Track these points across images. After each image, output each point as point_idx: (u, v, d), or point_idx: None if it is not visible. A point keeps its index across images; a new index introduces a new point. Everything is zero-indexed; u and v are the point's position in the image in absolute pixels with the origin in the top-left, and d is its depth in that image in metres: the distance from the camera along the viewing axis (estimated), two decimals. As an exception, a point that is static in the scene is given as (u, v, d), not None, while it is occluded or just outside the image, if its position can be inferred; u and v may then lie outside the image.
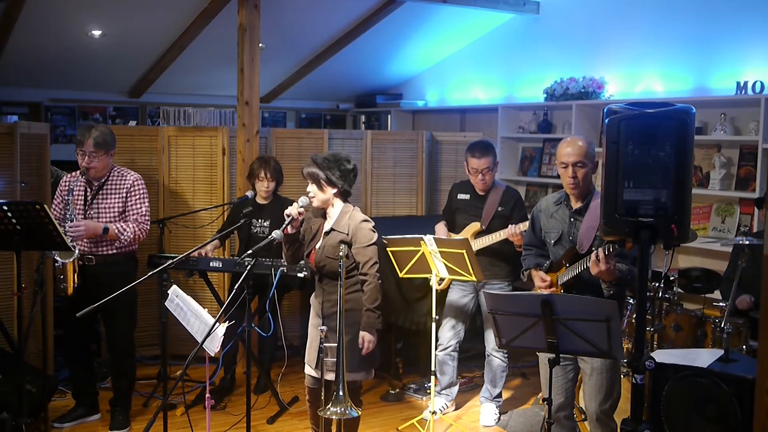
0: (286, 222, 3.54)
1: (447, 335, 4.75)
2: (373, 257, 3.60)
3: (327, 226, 3.68)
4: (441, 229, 4.84)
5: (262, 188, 4.89)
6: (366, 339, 3.57)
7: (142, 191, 4.38)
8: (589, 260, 3.25)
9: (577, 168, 3.45)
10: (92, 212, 4.29)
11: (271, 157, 5.10)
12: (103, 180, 4.32)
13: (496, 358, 4.72)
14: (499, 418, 4.76)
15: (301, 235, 3.74)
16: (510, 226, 4.46)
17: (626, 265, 3.35)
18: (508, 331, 3.08)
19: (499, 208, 4.64)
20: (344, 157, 3.67)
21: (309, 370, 3.76)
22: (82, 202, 4.29)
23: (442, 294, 4.78)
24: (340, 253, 3.42)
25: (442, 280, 4.52)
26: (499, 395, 4.80)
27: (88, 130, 4.22)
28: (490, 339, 4.68)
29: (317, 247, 3.67)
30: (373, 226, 3.66)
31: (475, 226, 4.68)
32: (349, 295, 3.62)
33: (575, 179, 3.45)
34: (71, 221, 4.13)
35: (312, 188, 3.64)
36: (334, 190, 3.63)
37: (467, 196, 4.77)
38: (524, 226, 4.38)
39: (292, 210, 3.55)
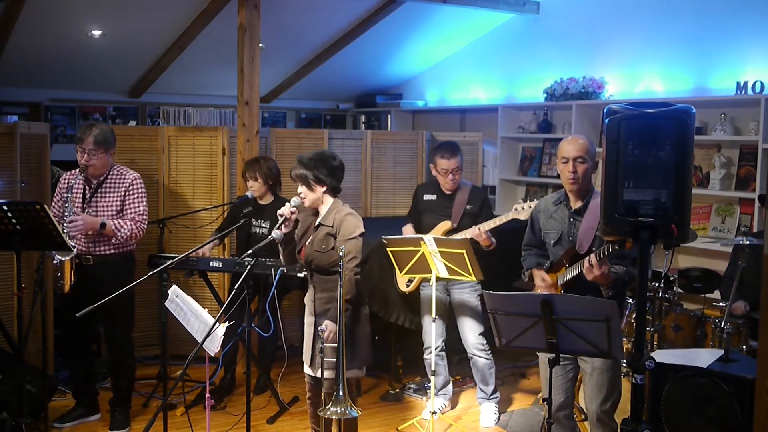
0: (279, 222, 3.56)
1: (432, 336, 4.65)
2: (353, 251, 3.58)
3: (316, 223, 3.71)
4: (409, 230, 4.87)
5: (252, 189, 4.89)
6: (329, 328, 3.51)
7: (140, 190, 4.38)
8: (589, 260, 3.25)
9: (578, 163, 3.45)
10: (91, 210, 4.28)
11: (264, 158, 5.06)
12: (102, 178, 4.33)
13: (479, 357, 4.68)
14: (499, 418, 4.76)
15: (297, 234, 3.75)
16: (474, 226, 4.53)
17: (623, 267, 3.35)
18: (508, 331, 3.08)
19: (468, 207, 4.68)
20: (330, 155, 3.71)
21: (307, 369, 3.77)
22: (81, 200, 4.30)
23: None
24: (340, 253, 3.42)
25: (410, 281, 4.53)
26: (495, 392, 4.77)
27: (89, 128, 4.22)
28: (469, 339, 4.67)
29: (307, 243, 3.69)
30: (360, 221, 3.65)
31: (446, 224, 4.69)
32: (335, 291, 3.58)
33: (575, 174, 3.45)
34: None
35: (302, 189, 3.66)
36: (324, 188, 3.65)
37: (434, 197, 4.81)
38: (487, 226, 4.46)
39: (285, 210, 3.57)
